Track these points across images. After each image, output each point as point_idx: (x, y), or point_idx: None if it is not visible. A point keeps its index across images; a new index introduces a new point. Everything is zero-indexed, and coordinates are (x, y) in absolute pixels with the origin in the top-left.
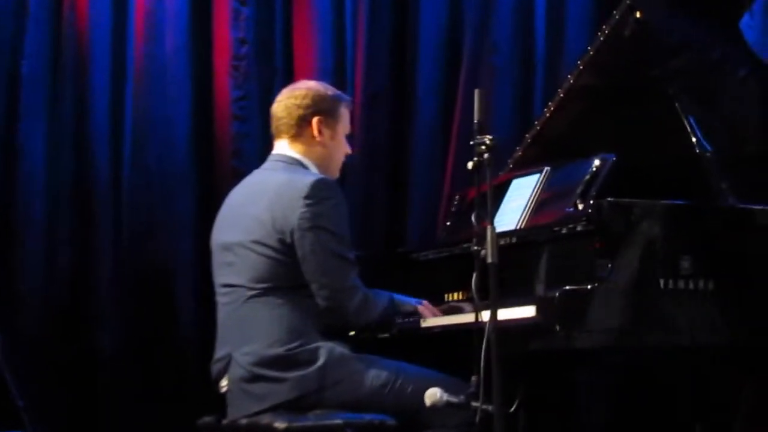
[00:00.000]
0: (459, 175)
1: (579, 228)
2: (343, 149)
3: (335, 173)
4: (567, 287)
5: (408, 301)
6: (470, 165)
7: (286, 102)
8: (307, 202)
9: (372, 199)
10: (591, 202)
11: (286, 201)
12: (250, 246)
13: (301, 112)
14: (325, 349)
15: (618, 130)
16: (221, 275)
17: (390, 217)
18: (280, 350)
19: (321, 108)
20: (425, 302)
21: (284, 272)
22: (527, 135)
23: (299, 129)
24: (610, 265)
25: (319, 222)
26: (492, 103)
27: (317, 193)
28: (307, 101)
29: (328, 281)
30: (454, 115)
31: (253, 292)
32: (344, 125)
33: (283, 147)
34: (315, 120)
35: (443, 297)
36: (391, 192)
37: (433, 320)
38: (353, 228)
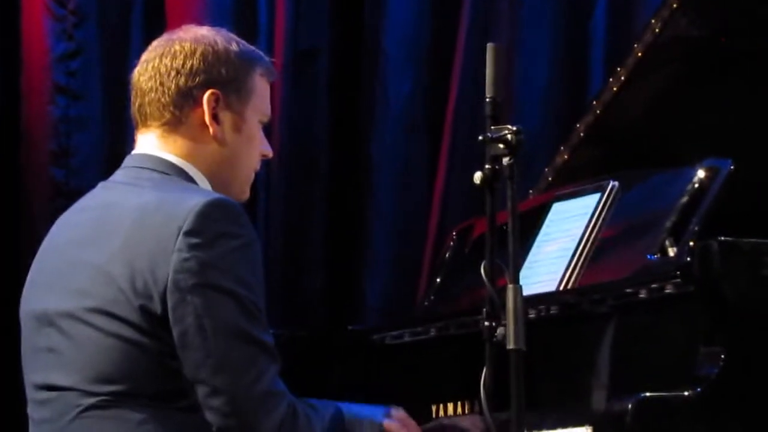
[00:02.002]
0: (456, 195)
1: (669, 289)
2: (256, 150)
3: (241, 191)
4: (647, 394)
5: (368, 416)
6: (477, 177)
7: (157, 63)
8: (191, 241)
9: (303, 237)
10: (690, 243)
11: (153, 240)
12: (88, 318)
13: (182, 81)
14: None
15: (736, 117)
16: (36, 369)
17: (334, 267)
18: None
19: (219, 76)
20: (399, 412)
21: (148, 366)
22: (578, 124)
23: (179, 112)
24: (723, 356)
25: (212, 277)
26: (517, 69)
27: (208, 225)
28: (194, 63)
29: (225, 383)
30: (448, 90)
31: (93, 401)
32: (259, 108)
33: (149, 144)
34: (207, 96)
35: (429, 409)
36: (336, 223)
37: None
38: (271, 288)
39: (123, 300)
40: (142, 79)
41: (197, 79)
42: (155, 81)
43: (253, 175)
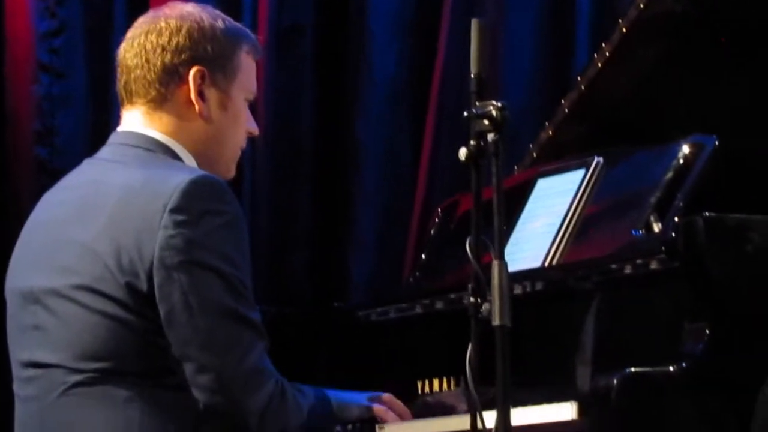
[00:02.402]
0: (441, 172)
1: (654, 265)
2: (242, 127)
3: (227, 169)
4: (632, 369)
5: (356, 401)
6: (462, 153)
7: (143, 40)
8: (177, 218)
9: (289, 214)
10: (675, 219)
11: (139, 217)
12: (74, 296)
13: (168, 58)
14: None
15: (721, 92)
16: (22, 347)
17: (320, 245)
18: None
19: (204, 53)
20: (387, 395)
21: (135, 344)
22: (564, 100)
23: (165, 89)
24: (708, 331)
25: (198, 255)
26: (502, 44)
27: (194, 202)
28: (179, 40)
29: (212, 360)
30: (433, 66)
31: (79, 378)
32: (245, 85)
33: (135, 121)
34: (193, 73)
35: (415, 386)
36: (321, 201)
37: (397, 428)
38: (257, 266)
39: (109, 277)
40: (127, 55)
41: (183, 56)
42: (141, 58)
43: (239, 153)
